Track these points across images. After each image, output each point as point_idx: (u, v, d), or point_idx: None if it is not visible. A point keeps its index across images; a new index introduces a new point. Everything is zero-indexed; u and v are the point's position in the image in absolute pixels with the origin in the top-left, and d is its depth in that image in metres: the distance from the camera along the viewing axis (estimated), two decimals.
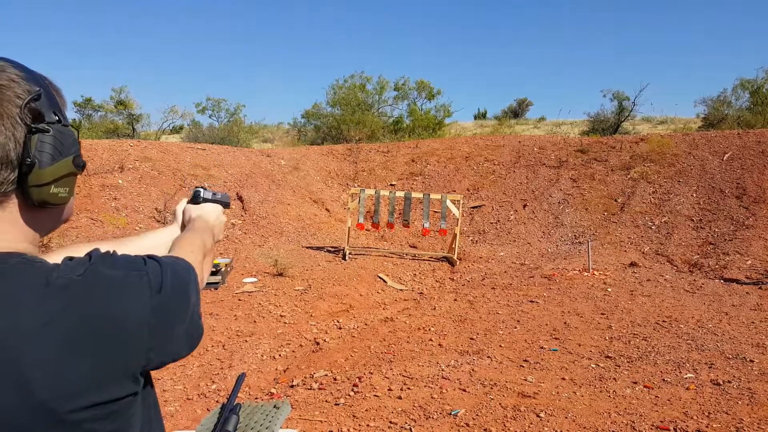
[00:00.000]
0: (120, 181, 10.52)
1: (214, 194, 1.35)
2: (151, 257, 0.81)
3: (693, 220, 10.05)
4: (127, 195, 10.18)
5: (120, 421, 0.73)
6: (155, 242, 1.17)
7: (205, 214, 1.27)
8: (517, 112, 30.90)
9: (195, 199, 1.32)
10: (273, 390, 4.20)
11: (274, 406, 2.16)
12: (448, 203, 9.08)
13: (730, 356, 4.66)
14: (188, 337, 0.84)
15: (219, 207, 1.35)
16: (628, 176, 11.73)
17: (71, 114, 22.92)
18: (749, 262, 8.36)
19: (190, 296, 0.84)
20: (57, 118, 0.78)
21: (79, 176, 0.90)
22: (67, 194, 0.82)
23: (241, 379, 1.55)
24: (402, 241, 10.73)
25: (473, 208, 11.84)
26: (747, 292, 6.98)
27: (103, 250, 0.81)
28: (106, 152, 11.37)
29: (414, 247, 10.44)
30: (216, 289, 6.85)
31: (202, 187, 1.34)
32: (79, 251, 0.87)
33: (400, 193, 9.36)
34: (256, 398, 4.07)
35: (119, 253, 0.82)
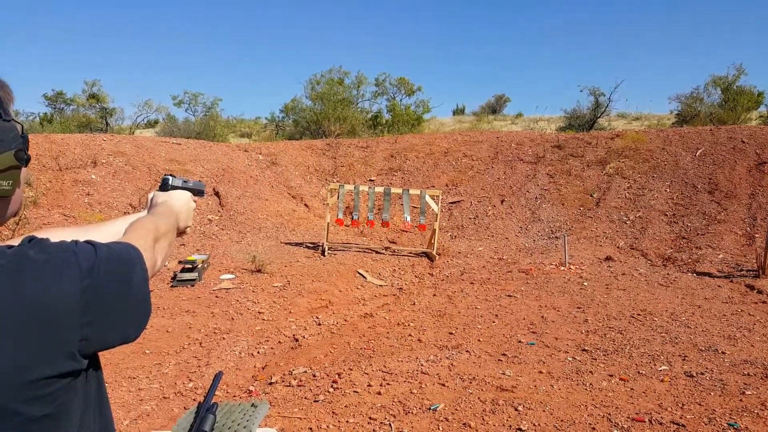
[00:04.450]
0: (93, 177, 10.30)
1: (185, 182, 1.35)
2: (87, 241, 0.82)
3: (666, 215, 10.24)
4: (101, 190, 9.97)
5: (54, 405, 0.73)
6: (120, 229, 1.16)
7: (170, 200, 1.27)
8: (495, 108, 31.09)
9: (164, 187, 1.32)
10: (251, 388, 4.15)
11: (252, 405, 2.13)
12: (427, 199, 9.09)
13: (703, 348, 4.77)
14: (133, 316, 0.84)
15: (187, 194, 1.34)
16: (604, 172, 11.90)
17: (41, 108, 22.36)
18: (721, 255, 8.56)
19: (130, 277, 0.83)
20: None
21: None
22: (10, 187, 0.86)
23: (218, 377, 1.52)
24: (381, 237, 10.72)
25: (452, 203, 11.89)
26: (719, 286, 7.14)
27: (46, 236, 0.82)
28: (78, 147, 11.10)
29: (393, 242, 10.43)
30: (192, 286, 6.75)
31: (171, 175, 1.34)
32: (45, 235, 0.88)
33: (379, 189, 9.34)
34: (234, 396, 4.03)
35: (85, 238, 0.84)
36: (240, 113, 33.00)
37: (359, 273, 8.01)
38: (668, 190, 10.90)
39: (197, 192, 1.40)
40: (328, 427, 3.42)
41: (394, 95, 22.88)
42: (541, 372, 4.27)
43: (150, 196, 1.32)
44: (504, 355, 4.67)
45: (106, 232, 1.15)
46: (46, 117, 21.69)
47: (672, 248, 9.22)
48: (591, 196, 11.33)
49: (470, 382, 4.03)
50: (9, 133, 0.84)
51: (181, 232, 1.29)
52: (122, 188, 10.31)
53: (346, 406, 3.68)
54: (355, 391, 3.91)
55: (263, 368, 4.64)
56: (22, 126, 0.88)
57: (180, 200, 1.29)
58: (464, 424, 3.41)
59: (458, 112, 30.94)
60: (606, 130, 16.61)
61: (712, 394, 3.81)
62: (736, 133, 12.00)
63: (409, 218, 9.29)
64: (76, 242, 0.80)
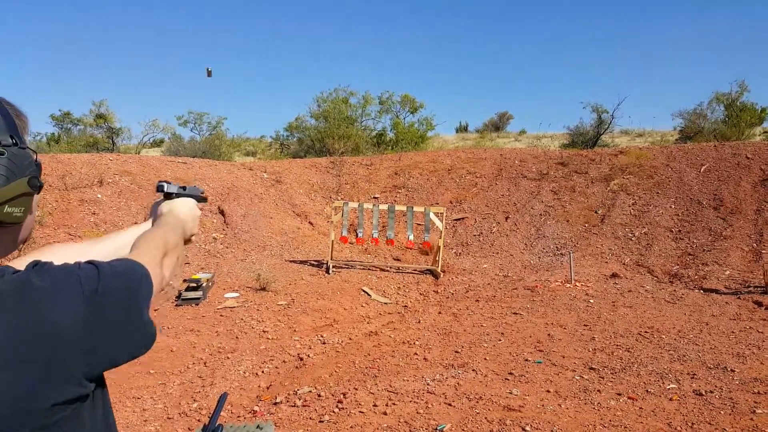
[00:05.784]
0: (99, 196, 10.36)
1: (181, 188, 1.31)
2: (89, 262, 0.80)
3: (672, 231, 10.20)
4: (107, 210, 10.02)
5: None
6: (127, 240, 1.15)
7: (175, 208, 1.25)
8: (498, 125, 31.26)
9: (165, 195, 1.29)
10: (256, 408, 4.12)
11: (258, 427, 2.11)
12: (432, 216, 9.10)
13: (712, 366, 4.71)
14: (141, 335, 0.82)
15: (192, 201, 1.32)
16: (608, 188, 11.89)
17: (48, 128, 22.62)
18: (728, 272, 8.49)
19: (136, 297, 0.82)
20: (13, 141, 0.83)
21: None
22: (21, 214, 0.85)
23: (223, 399, 1.51)
24: (386, 254, 10.71)
25: (456, 220, 11.88)
26: (726, 302, 7.08)
27: (46, 259, 0.81)
28: (84, 166, 11.19)
29: (398, 259, 10.42)
30: (197, 304, 6.74)
31: (165, 182, 1.30)
32: (51, 253, 0.89)
33: (383, 206, 9.35)
34: (238, 417, 4.00)
35: (91, 253, 0.85)
36: (244, 131, 33.26)
37: (364, 291, 7.99)
38: (673, 206, 10.87)
39: (199, 198, 1.37)
40: None
41: (397, 113, 23.03)
42: (548, 391, 4.22)
43: (154, 205, 1.30)
44: (511, 373, 4.62)
45: (112, 245, 1.14)
46: (53, 137, 21.91)
47: (678, 265, 9.17)
48: (596, 212, 11.31)
49: (477, 402, 3.99)
50: (24, 161, 0.85)
51: (187, 241, 1.26)
52: (128, 207, 10.36)
53: (351, 427, 3.64)
54: (360, 411, 3.87)
55: (268, 388, 4.61)
56: (36, 153, 0.89)
57: (185, 208, 1.27)
58: None
59: (461, 129, 31.12)
60: (609, 147, 16.63)
61: (722, 412, 3.76)
62: (740, 149, 12.00)
63: (412, 236, 9.28)
64: (79, 265, 0.79)
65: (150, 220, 1.28)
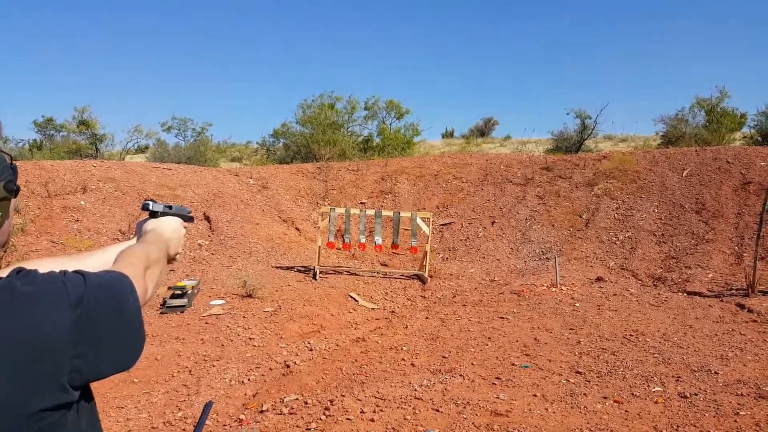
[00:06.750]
0: (82, 203, 10.23)
1: (167, 206, 1.32)
2: (76, 272, 0.80)
3: (656, 235, 10.32)
4: (90, 217, 9.89)
5: None
6: (110, 257, 1.14)
7: (159, 227, 1.26)
8: (483, 130, 31.47)
9: (151, 213, 1.30)
10: (242, 416, 4.08)
11: None
12: (419, 221, 9.11)
13: (696, 369, 4.76)
14: (126, 345, 0.83)
15: (177, 220, 1.32)
16: (592, 193, 12.01)
17: (30, 134, 22.30)
18: (710, 275, 8.61)
19: (122, 306, 0.82)
20: None
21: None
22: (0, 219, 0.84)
23: (207, 407, 1.49)
24: (373, 260, 10.69)
25: (443, 225, 11.92)
26: (709, 305, 7.17)
27: (35, 267, 0.80)
28: (68, 173, 11.05)
29: (385, 265, 10.41)
30: (182, 312, 6.67)
31: (151, 200, 1.31)
32: (35, 266, 0.86)
33: (370, 212, 9.35)
34: (224, 426, 3.95)
35: (75, 267, 0.83)
36: (229, 137, 33.11)
37: (351, 296, 7.97)
38: (656, 210, 11.01)
39: (187, 218, 1.37)
40: None
41: (383, 119, 23.08)
42: (535, 395, 4.24)
43: (139, 223, 1.30)
44: (498, 378, 4.63)
45: (96, 261, 1.13)
46: (36, 143, 21.60)
47: (662, 268, 9.27)
48: (580, 217, 11.41)
49: (464, 407, 3.99)
50: None
51: (171, 260, 1.27)
52: (112, 214, 10.24)
53: None
54: (347, 418, 3.85)
55: (254, 396, 4.57)
56: (11, 156, 0.87)
57: (170, 227, 1.27)
58: None
59: (447, 135, 31.28)
60: (593, 152, 16.81)
61: (706, 415, 3.79)
62: (721, 154, 12.20)
63: (398, 241, 9.28)
64: (65, 272, 0.79)
65: (134, 239, 1.27)
